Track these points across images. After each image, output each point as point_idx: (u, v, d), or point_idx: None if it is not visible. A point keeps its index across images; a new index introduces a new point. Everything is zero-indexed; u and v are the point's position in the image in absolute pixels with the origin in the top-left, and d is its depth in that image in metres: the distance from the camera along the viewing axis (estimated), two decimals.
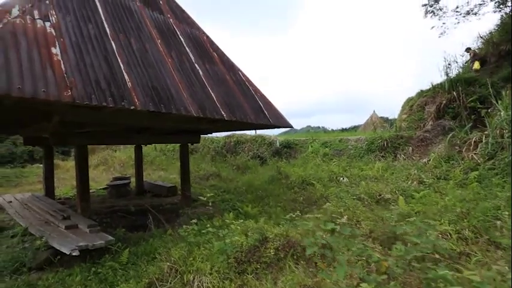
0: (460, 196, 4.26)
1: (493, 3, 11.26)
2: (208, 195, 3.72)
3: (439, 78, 11.83)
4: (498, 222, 3.14)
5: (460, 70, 11.00)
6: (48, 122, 4.27)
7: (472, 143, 6.63)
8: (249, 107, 5.63)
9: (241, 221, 3.63)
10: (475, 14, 11.86)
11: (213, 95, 4.94)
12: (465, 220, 3.26)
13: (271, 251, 3.08)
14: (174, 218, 5.65)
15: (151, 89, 3.94)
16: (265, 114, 5.95)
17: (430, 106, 10.46)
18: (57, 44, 3.32)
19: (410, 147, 9.38)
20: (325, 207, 4.73)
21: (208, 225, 3.40)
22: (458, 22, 12.11)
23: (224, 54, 6.42)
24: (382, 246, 2.91)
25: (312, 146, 11.94)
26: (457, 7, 12.02)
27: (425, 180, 6.08)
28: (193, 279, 2.58)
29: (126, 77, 3.75)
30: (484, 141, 6.32)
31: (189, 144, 6.95)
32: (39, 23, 3.36)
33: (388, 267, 1.71)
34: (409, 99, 12.34)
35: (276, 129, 8.03)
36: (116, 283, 2.99)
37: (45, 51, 3.15)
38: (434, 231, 2.28)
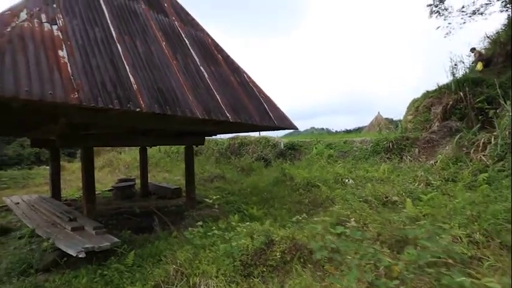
0: (470, 198, 4.17)
1: (499, 2, 11.13)
2: (214, 197, 3.70)
3: (444, 78, 11.68)
4: (510, 226, 3.06)
5: (467, 70, 10.87)
6: (54, 124, 4.31)
7: (481, 144, 6.51)
8: (254, 108, 5.62)
9: (248, 223, 3.60)
10: (481, 13, 11.73)
11: (217, 96, 4.93)
12: (476, 223, 3.19)
13: (278, 253, 3.04)
14: (179, 220, 5.64)
15: (156, 91, 3.95)
16: (269, 115, 5.93)
17: (436, 107, 10.33)
18: (64, 47, 3.35)
19: (417, 149, 9.27)
20: (332, 209, 4.68)
21: (214, 228, 3.38)
22: (464, 22, 11.99)
23: (228, 56, 6.43)
24: (391, 249, 2.86)
25: (316, 148, 11.87)
26: (463, 7, 11.90)
27: (432, 182, 5.99)
28: (200, 282, 2.56)
29: (131, 79, 3.77)
30: (493, 142, 6.21)
31: (194, 146, 6.96)
32: (47, 26, 3.39)
33: (399, 272, 1.67)
34: (415, 100, 12.21)
35: (279, 130, 8.01)
36: (122, 285, 2.99)
37: (52, 54, 3.18)
38: (448, 235, 2.22)
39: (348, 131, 31.25)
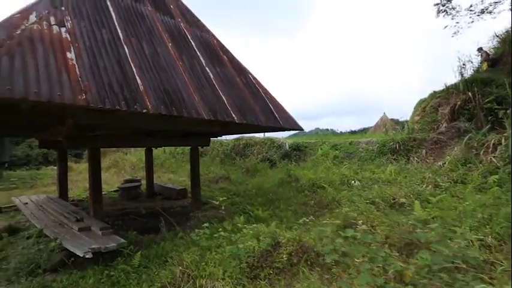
0: (480, 201, 4.08)
1: (509, 1, 10.92)
2: (221, 199, 3.68)
3: (451, 78, 11.53)
4: None
5: (475, 70, 10.70)
6: (62, 125, 4.35)
7: (491, 145, 6.39)
8: (260, 109, 5.60)
9: (254, 225, 3.58)
10: (490, 12, 11.52)
11: (223, 97, 4.93)
12: (487, 226, 3.11)
13: (284, 256, 3.02)
14: (185, 221, 5.65)
15: (163, 92, 3.96)
16: (275, 116, 5.91)
17: (444, 107, 10.17)
18: (72, 49, 3.38)
19: (424, 150, 9.13)
20: (338, 211, 4.63)
21: (220, 229, 3.37)
22: (473, 21, 11.79)
23: (234, 57, 6.43)
24: (400, 253, 2.81)
25: (321, 149, 11.80)
26: (471, 6, 11.71)
27: (441, 184, 5.89)
28: (206, 284, 2.55)
29: (138, 80, 3.79)
30: (503, 143, 6.08)
31: (199, 147, 6.96)
32: (55, 28, 3.43)
33: (411, 277, 1.63)
34: (422, 101, 12.05)
35: (285, 131, 7.98)
36: (129, 286, 2.99)
37: (60, 56, 3.21)
38: (462, 239, 2.16)
39: (353, 132, 31.02)
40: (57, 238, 3.91)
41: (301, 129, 6.70)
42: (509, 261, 2.37)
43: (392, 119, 25.83)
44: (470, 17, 11.72)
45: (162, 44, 4.78)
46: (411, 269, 1.71)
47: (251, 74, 6.46)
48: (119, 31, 4.23)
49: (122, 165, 15.29)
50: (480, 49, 10.95)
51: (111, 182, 11.25)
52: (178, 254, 3.14)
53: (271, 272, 2.90)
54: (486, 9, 11.45)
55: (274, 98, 6.42)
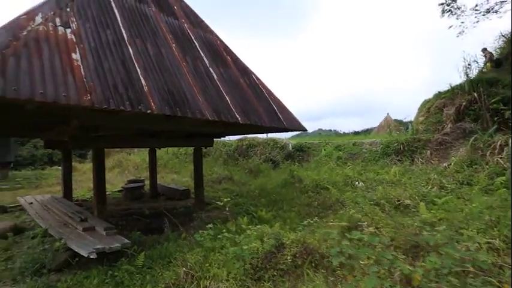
0: (487, 203, 4.02)
1: None
2: (225, 200, 3.67)
3: (456, 79, 11.40)
4: None
5: (480, 70, 10.59)
6: (67, 126, 4.38)
7: (497, 146, 6.30)
8: (263, 110, 5.59)
9: (258, 226, 3.56)
10: (496, 12, 11.40)
11: (227, 98, 4.93)
12: (495, 229, 3.06)
13: (289, 257, 2.99)
14: (188, 221, 5.65)
15: (167, 93, 3.97)
16: (279, 117, 5.89)
17: (449, 108, 10.08)
18: (77, 50, 3.40)
19: (429, 151, 9.04)
20: (342, 212, 4.60)
21: (224, 230, 3.36)
22: (478, 21, 11.67)
23: (237, 58, 6.43)
24: (405, 255, 2.77)
25: (325, 150, 11.75)
26: (476, 5, 11.60)
27: (446, 185, 5.82)
28: (210, 285, 2.54)
29: (142, 81, 3.80)
30: (510, 144, 6.00)
31: (203, 147, 6.97)
32: (61, 29, 3.45)
33: (420, 281, 1.60)
34: (426, 101, 11.96)
35: (289, 132, 7.96)
36: (133, 287, 2.99)
37: (66, 56, 3.23)
38: (471, 242, 2.12)
39: (356, 133, 30.88)
40: (62, 238, 3.93)
41: (304, 129, 6.68)
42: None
43: (396, 120, 25.68)
44: (475, 17, 11.62)
45: (166, 45, 4.79)
46: (419, 272, 1.68)
47: (254, 75, 6.45)
48: (124, 32, 4.24)
49: (126, 166, 15.38)
50: (484, 50, 10.85)
51: (114, 182, 11.30)
52: (182, 255, 3.13)
53: (276, 273, 2.88)
54: (492, 8, 11.34)
55: (278, 99, 6.40)
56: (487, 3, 11.32)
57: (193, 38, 5.69)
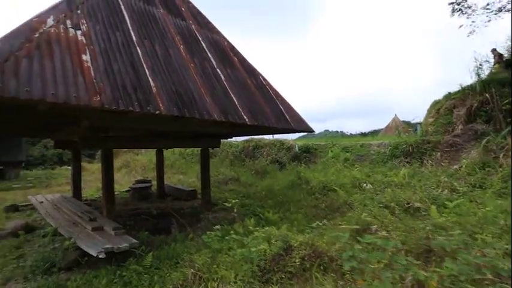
0: (501, 206, 3.91)
1: None
2: (233, 201, 3.66)
3: (467, 79, 11.16)
4: None
5: (493, 71, 10.35)
6: (77, 126, 4.44)
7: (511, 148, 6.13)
8: (270, 111, 5.57)
9: (266, 228, 3.53)
10: (508, 10, 11.13)
11: (234, 99, 4.92)
12: (511, 234, 2.96)
13: (297, 260, 2.95)
14: (195, 222, 5.66)
15: (175, 94, 3.99)
16: (286, 118, 5.86)
17: (460, 109, 9.87)
18: (87, 51, 3.44)
19: (439, 153, 8.86)
20: (350, 215, 4.53)
21: (232, 232, 3.34)
22: (489, 20, 11.40)
23: (245, 59, 6.43)
24: (417, 260, 2.70)
25: (332, 151, 11.65)
26: (488, 4, 11.34)
27: (458, 188, 5.68)
28: (218, 287, 2.52)
29: (151, 82, 3.82)
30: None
31: (210, 148, 6.99)
32: (72, 31, 3.50)
33: (436, 287, 1.55)
34: (436, 102, 11.75)
35: (294, 133, 7.93)
36: (140, 287, 3.00)
37: (76, 58, 3.27)
38: (491, 248, 2.05)
39: (363, 134, 30.58)
40: (72, 237, 3.97)
41: (312, 131, 6.63)
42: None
43: (403, 121, 25.34)
44: (487, 16, 11.34)
45: (174, 46, 4.82)
46: (434, 278, 1.63)
47: (262, 76, 6.44)
48: (132, 33, 4.29)
49: (133, 166, 15.55)
50: (494, 50, 10.60)
51: (122, 182, 11.43)
52: (190, 256, 3.12)
53: (284, 276, 2.85)
54: (504, 7, 11.06)
55: (285, 100, 6.38)
56: (499, 1, 11.06)
57: (200, 39, 5.72)
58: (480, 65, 10.00)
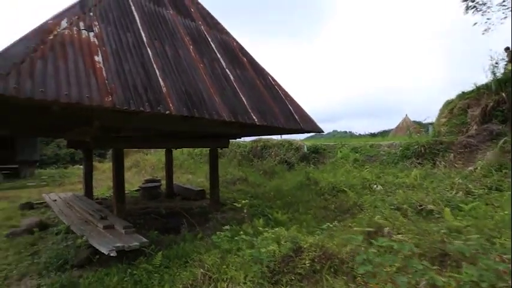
0: None
1: None
2: (243, 201, 3.65)
3: (481, 79, 10.84)
4: None
5: (506, 70, 10.01)
6: (89, 126, 4.52)
7: None
8: (279, 111, 5.54)
9: (276, 229, 3.51)
10: None
11: (243, 99, 4.92)
12: None
13: (307, 262, 2.92)
14: (203, 221, 5.67)
15: (184, 94, 4.01)
16: (295, 118, 5.82)
17: (474, 109, 9.59)
18: (99, 53, 3.50)
19: (452, 154, 8.63)
20: (361, 216, 4.45)
21: (241, 232, 3.33)
22: (506, 17, 11.05)
23: (253, 59, 6.42)
24: (432, 264, 2.63)
25: (341, 152, 11.51)
26: (504, 0, 10.98)
27: (473, 190, 5.51)
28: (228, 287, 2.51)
29: (161, 82, 3.85)
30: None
31: (218, 148, 7.00)
32: (84, 33, 3.56)
33: None
34: (448, 102, 11.46)
35: (303, 133, 7.87)
36: (151, 286, 3.02)
37: (89, 59, 3.33)
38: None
39: (372, 135, 30.14)
40: (84, 235, 4.05)
41: (321, 131, 6.56)
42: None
43: (414, 121, 24.85)
44: (503, 12, 10.99)
45: (183, 47, 4.85)
46: (452, 284, 1.57)
47: (270, 76, 6.41)
48: (143, 35, 4.33)
49: (143, 166, 15.76)
50: (507, 49, 10.26)
51: (132, 181, 11.59)
52: (199, 256, 3.13)
53: (293, 278, 2.82)
54: None
55: (294, 100, 6.33)
56: None
57: (209, 39, 5.74)
58: (496, 63, 9.70)
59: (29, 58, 2.80)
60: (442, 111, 11.68)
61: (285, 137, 13.42)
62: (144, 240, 3.86)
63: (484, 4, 11.28)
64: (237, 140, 13.27)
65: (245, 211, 3.82)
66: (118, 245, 3.57)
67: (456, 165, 8.16)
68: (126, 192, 8.13)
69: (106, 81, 3.28)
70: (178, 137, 6.33)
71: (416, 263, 1.79)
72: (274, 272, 2.86)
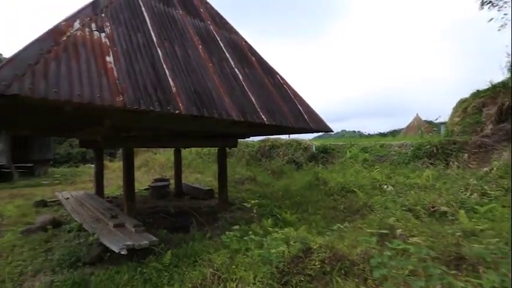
0: None
1: None
2: (252, 201, 3.63)
3: (498, 77, 10.51)
4: None
5: None
6: (101, 126, 4.59)
7: None
8: (289, 110, 5.50)
9: (285, 229, 3.48)
10: None
11: (252, 98, 4.90)
12: None
13: (316, 263, 2.88)
14: (212, 221, 5.69)
15: (194, 94, 4.02)
16: (304, 118, 5.76)
17: (490, 108, 9.31)
18: (110, 53, 3.54)
19: (466, 154, 8.40)
20: (372, 217, 4.37)
21: (251, 232, 3.31)
22: None
23: (262, 58, 6.40)
24: (447, 267, 2.55)
25: (350, 151, 11.36)
26: None
27: (489, 192, 5.34)
28: None
29: (171, 82, 3.87)
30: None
31: (227, 148, 7.01)
32: (96, 34, 3.61)
33: None
34: (462, 101, 11.16)
35: (312, 133, 7.80)
36: (160, 284, 3.04)
37: (100, 60, 3.37)
38: None
39: (382, 134, 29.65)
40: (95, 233, 4.12)
41: (330, 130, 6.49)
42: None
43: (426, 121, 24.34)
44: None
45: (192, 47, 4.87)
46: None
47: (279, 75, 6.38)
48: (153, 35, 4.37)
49: (152, 165, 15.96)
50: None
51: (141, 180, 11.75)
52: (208, 255, 3.13)
53: (303, 279, 2.78)
54: None
55: (303, 99, 6.28)
56: None
57: (218, 39, 5.74)
58: None
59: (43, 59, 2.86)
60: (455, 110, 11.39)
61: (293, 136, 13.35)
62: (154, 238, 3.90)
63: None
64: (245, 139, 13.29)
65: (254, 211, 3.80)
66: (128, 243, 3.61)
67: (470, 165, 7.93)
68: (135, 191, 8.26)
69: (117, 81, 3.31)
70: (188, 137, 6.37)
71: (433, 267, 1.73)
72: (283, 273, 2.83)
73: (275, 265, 2.84)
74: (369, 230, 3.56)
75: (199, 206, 7.09)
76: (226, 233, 3.41)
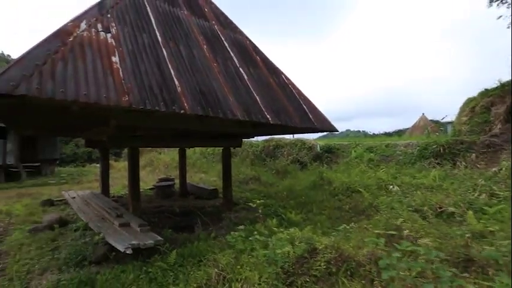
0: None
1: None
2: (257, 201, 3.62)
3: (506, 76, 10.30)
4: None
5: None
6: (106, 126, 4.62)
7: None
8: (293, 110, 5.47)
9: (290, 229, 3.46)
10: None
11: (257, 98, 4.89)
12: None
13: (322, 263, 2.86)
14: (217, 221, 5.69)
15: (199, 94, 4.02)
16: (309, 117, 5.73)
17: (499, 107, 9.16)
18: (116, 53, 3.55)
19: (474, 154, 8.27)
20: (377, 218, 4.32)
21: (256, 232, 3.30)
22: None
23: (267, 58, 6.38)
24: (456, 269, 2.50)
25: (355, 151, 11.28)
26: None
27: (497, 192, 5.25)
28: None
29: (176, 82, 3.88)
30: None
31: (231, 148, 7.01)
32: (102, 34, 3.63)
33: None
34: (470, 100, 10.99)
35: (317, 133, 7.76)
36: (165, 284, 3.05)
37: (106, 60, 3.39)
38: None
39: (387, 134, 29.41)
40: (101, 232, 4.14)
41: (336, 130, 6.44)
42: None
43: (432, 120, 24.08)
44: None
45: (197, 46, 4.88)
46: None
47: (284, 75, 6.35)
48: (158, 35, 4.38)
49: (157, 164, 16.06)
50: None
51: (146, 180, 11.82)
52: (213, 255, 3.13)
53: (308, 279, 2.77)
54: None
55: (308, 99, 6.24)
56: None
57: (223, 39, 5.74)
58: None
59: (50, 59, 2.88)
60: (462, 109, 11.23)
61: (298, 136, 13.31)
62: (159, 238, 3.91)
63: None
64: (250, 139, 13.29)
65: (259, 211, 3.79)
66: (134, 242, 3.63)
67: (478, 165, 7.81)
68: (140, 190, 8.31)
69: (123, 81, 3.33)
70: (192, 137, 6.37)
71: (443, 269, 1.70)
72: (288, 274, 2.82)
73: (280, 265, 2.83)
74: (375, 231, 3.51)
75: (203, 205, 7.10)
76: (231, 233, 3.41)
